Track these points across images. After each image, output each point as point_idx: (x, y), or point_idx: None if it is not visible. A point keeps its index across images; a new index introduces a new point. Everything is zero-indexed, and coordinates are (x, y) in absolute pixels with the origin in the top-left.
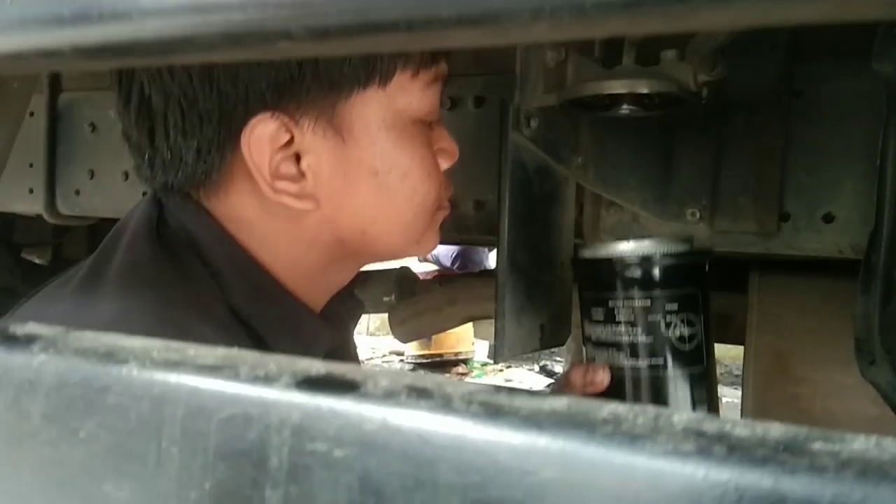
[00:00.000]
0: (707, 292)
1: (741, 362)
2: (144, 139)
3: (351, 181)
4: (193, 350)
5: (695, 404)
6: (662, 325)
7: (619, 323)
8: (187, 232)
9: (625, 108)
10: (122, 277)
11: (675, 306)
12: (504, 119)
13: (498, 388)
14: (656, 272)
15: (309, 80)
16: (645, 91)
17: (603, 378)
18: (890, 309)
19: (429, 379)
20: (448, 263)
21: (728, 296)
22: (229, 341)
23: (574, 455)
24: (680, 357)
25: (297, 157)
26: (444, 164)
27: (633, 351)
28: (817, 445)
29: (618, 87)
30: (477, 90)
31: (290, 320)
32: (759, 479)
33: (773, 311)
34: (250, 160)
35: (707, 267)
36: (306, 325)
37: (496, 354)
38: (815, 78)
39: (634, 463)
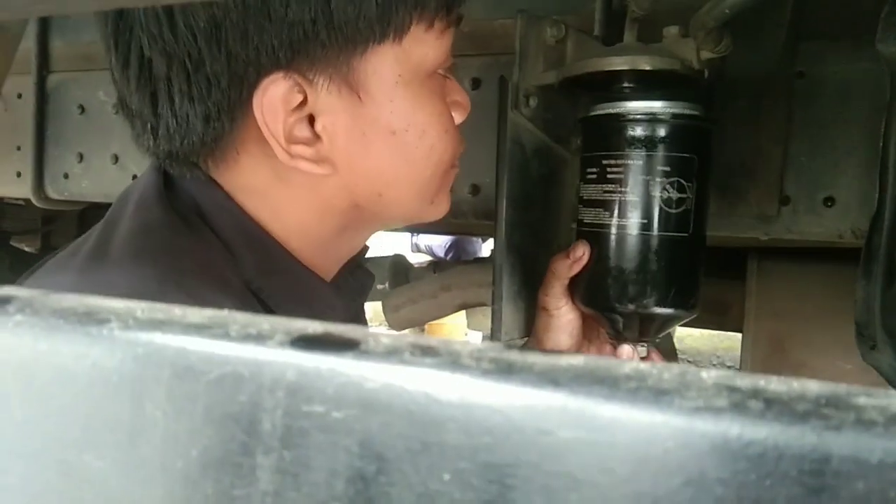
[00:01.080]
0: (706, 162)
1: (734, 353)
2: (146, 106)
3: (368, 142)
4: (180, 310)
5: (675, 269)
6: (652, 185)
7: (610, 181)
8: (193, 201)
9: (626, 88)
10: (133, 243)
11: (667, 168)
12: (503, 97)
13: (509, 346)
14: (653, 132)
15: (323, 36)
16: (646, 68)
17: (583, 250)
18: (891, 293)
19: (434, 338)
20: (441, 254)
21: (726, 283)
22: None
23: (595, 413)
24: (665, 220)
25: (311, 120)
26: (458, 118)
27: (620, 209)
28: (862, 400)
29: (619, 63)
30: (474, 72)
31: (302, 291)
32: (801, 436)
33: (771, 297)
34: (264, 124)
35: (709, 135)
36: (319, 295)
37: (493, 338)
38: (818, 59)
39: (661, 420)
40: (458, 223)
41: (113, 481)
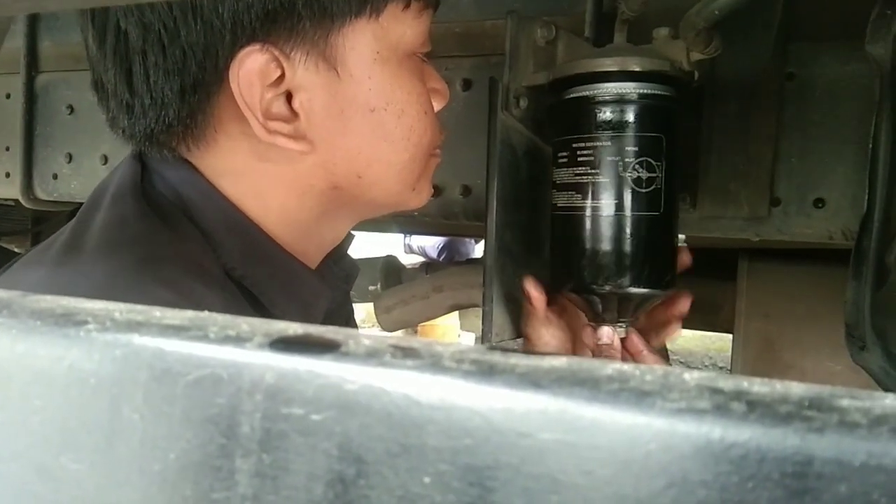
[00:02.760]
0: (674, 139)
1: (726, 354)
2: (122, 83)
3: (346, 119)
4: (158, 311)
5: (648, 248)
6: (621, 166)
7: (580, 164)
8: (173, 189)
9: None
10: (108, 235)
11: (636, 148)
12: (493, 98)
13: (492, 348)
14: (620, 113)
15: (300, 8)
16: (636, 69)
17: (532, 288)
18: (881, 294)
19: (415, 340)
20: (434, 255)
21: (717, 284)
22: (227, 302)
23: (576, 414)
24: (636, 199)
25: (289, 97)
26: (437, 105)
27: (592, 192)
28: (845, 402)
29: (609, 64)
30: (464, 73)
31: (286, 278)
32: (783, 438)
33: (762, 298)
34: (240, 98)
35: (675, 114)
36: (303, 281)
37: (483, 339)
38: (807, 61)
39: (644, 422)
40: (449, 224)
41: (90, 484)
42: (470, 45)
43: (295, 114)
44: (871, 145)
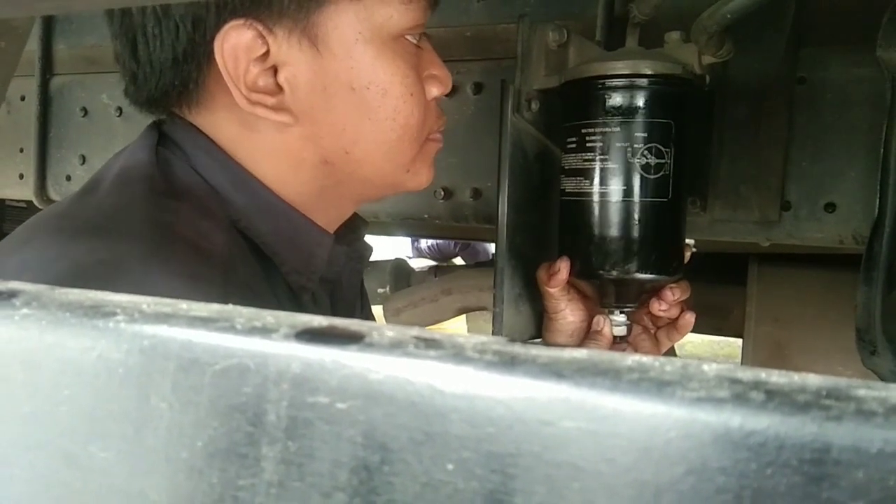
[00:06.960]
0: (682, 127)
1: (735, 360)
2: (128, 53)
3: (329, 96)
4: (186, 304)
5: (656, 234)
6: (629, 152)
7: (589, 150)
8: (182, 150)
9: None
10: (119, 178)
11: (645, 134)
12: (504, 101)
13: (513, 340)
14: (629, 98)
15: None
16: (648, 72)
17: (560, 265)
18: (892, 298)
19: (437, 332)
20: (451, 246)
21: (727, 288)
22: (230, 242)
23: (597, 403)
24: (644, 186)
25: (276, 72)
26: (435, 91)
27: (600, 177)
28: (862, 392)
29: (621, 68)
30: (475, 76)
31: (288, 228)
32: (801, 426)
33: (772, 303)
34: (225, 70)
35: (685, 101)
36: (305, 231)
37: None
38: (819, 65)
39: (664, 411)
40: (459, 227)
41: (118, 472)
42: (481, 49)
43: (280, 87)
44: (882, 149)
